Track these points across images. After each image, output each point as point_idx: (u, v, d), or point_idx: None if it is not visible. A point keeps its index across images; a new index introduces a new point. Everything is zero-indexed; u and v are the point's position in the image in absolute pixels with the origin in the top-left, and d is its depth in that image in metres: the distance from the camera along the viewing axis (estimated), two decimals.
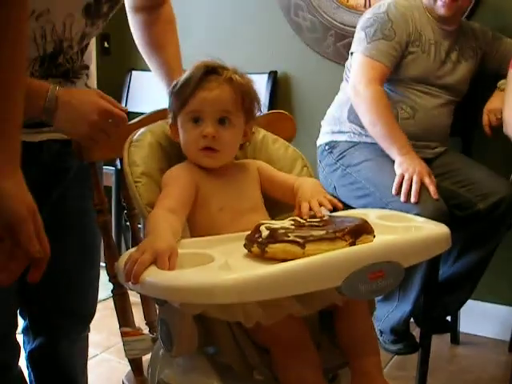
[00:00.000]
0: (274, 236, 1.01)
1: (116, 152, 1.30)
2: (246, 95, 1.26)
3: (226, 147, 1.24)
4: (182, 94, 1.23)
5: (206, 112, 1.21)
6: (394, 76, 2.16)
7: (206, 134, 1.20)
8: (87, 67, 1.43)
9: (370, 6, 2.63)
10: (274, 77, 2.92)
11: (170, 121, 1.29)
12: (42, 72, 1.29)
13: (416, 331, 2.23)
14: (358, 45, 2.17)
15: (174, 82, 1.27)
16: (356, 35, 2.22)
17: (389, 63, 2.12)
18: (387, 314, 2.13)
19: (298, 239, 0.99)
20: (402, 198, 1.94)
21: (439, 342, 2.49)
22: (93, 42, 1.45)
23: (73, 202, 1.46)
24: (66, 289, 1.52)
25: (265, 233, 1.03)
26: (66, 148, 1.37)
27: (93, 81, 1.47)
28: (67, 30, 1.28)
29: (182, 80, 1.24)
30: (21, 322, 1.52)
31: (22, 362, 1.51)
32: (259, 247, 1.02)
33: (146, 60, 1.59)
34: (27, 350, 1.59)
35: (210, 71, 1.23)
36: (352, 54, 2.22)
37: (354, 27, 2.63)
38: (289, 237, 1.00)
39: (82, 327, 1.63)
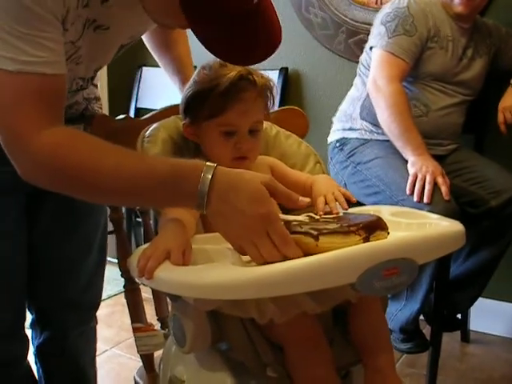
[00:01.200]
0: (288, 228, 1.00)
1: (130, 148, 1.30)
2: (272, 99, 1.27)
3: (255, 152, 1.26)
4: (216, 103, 1.18)
5: (241, 126, 1.21)
6: (411, 72, 2.15)
7: (242, 146, 1.21)
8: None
9: (381, 2, 2.62)
10: (284, 73, 2.90)
11: (185, 120, 1.27)
12: None
13: (426, 329, 2.23)
14: (379, 39, 2.15)
15: (198, 86, 1.22)
16: (375, 29, 2.20)
17: (409, 60, 2.11)
18: (395, 313, 2.13)
19: (312, 231, 0.98)
20: (415, 197, 1.93)
21: (449, 340, 2.48)
22: None
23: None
24: (70, 277, 1.51)
25: None
26: None
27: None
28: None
29: (213, 87, 1.18)
30: (28, 317, 1.53)
31: (30, 358, 1.51)
32: None
33: (157, 58, 1.57)
34: (35, 345, 1.59)
35: (243, 78, 1.20)
36: (371, 48, 2.20)
37: (366, 24, 2.64)
38: (302, 228, 0.99)
39: (88, 317, 1.62)
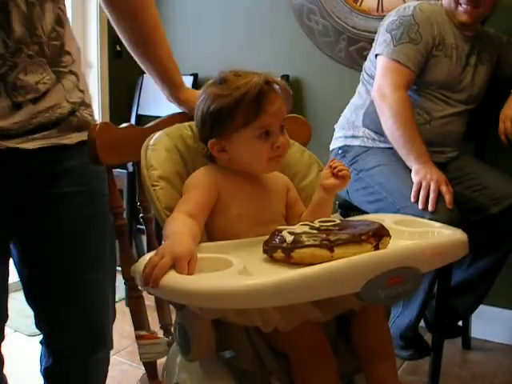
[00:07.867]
0: (301, 241, 1.00)
1: (133, 156, 1.31)
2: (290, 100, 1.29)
3: (287, 150, 1.29)
4: (250, 110, 1.19)
5: (274, 125, 1.22)
6: (415, 81, 2.15)
7: (280, 145, 1.23)
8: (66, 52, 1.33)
9: (382, 10, 2.63)
10: (286, 81, 2.90)
11: (209, 139, 1.25)
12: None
13: (427, 336, 2.23)
14: (384, 47, 2.15)
15: (221, 100, 1.21)
16: (380, 37, 2.21)
17: (415, 68, 2.11)
18: (394, 319, 2.12)
19: (327, 243, 0.99)
20: (420, 205, 1.93)
21: (450, 347, 2.48)
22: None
23: (72, 206, 1.38)
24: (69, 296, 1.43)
25: (289, 238, 1.02)
26: (62, 152, 1.33)
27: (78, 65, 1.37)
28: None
29: (242, 96, 1.18)
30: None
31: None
32: (284, 252, 1.01)
33: (135, 57, 1.53)
34: (42, 365, 1.51)
35: (267, 82, 1.21)
36: (376, 56, 2.20)
37: (367, 31, 2.65)
38: (316, 241, 1.00)
39: (91, 348, 1.50)
